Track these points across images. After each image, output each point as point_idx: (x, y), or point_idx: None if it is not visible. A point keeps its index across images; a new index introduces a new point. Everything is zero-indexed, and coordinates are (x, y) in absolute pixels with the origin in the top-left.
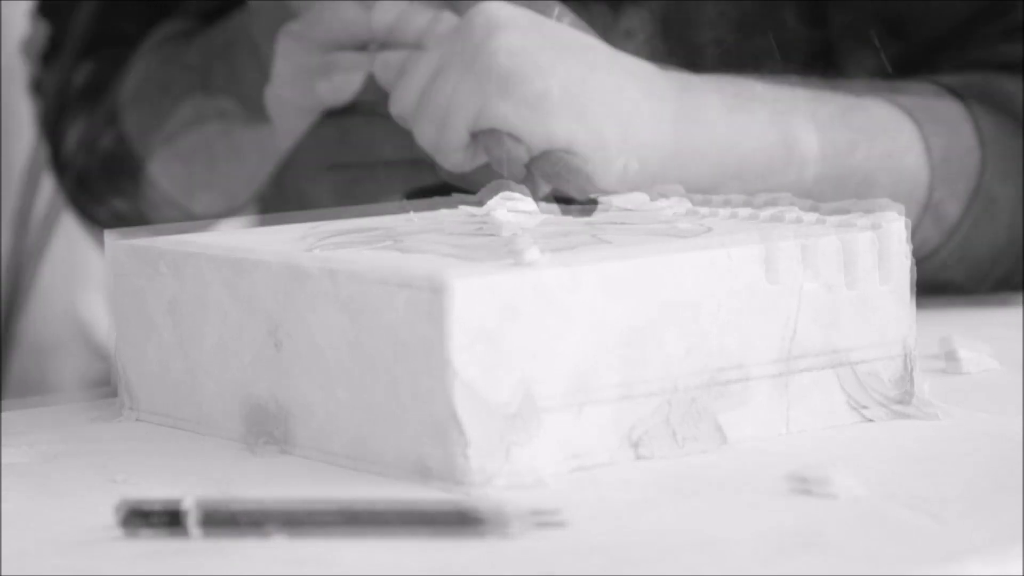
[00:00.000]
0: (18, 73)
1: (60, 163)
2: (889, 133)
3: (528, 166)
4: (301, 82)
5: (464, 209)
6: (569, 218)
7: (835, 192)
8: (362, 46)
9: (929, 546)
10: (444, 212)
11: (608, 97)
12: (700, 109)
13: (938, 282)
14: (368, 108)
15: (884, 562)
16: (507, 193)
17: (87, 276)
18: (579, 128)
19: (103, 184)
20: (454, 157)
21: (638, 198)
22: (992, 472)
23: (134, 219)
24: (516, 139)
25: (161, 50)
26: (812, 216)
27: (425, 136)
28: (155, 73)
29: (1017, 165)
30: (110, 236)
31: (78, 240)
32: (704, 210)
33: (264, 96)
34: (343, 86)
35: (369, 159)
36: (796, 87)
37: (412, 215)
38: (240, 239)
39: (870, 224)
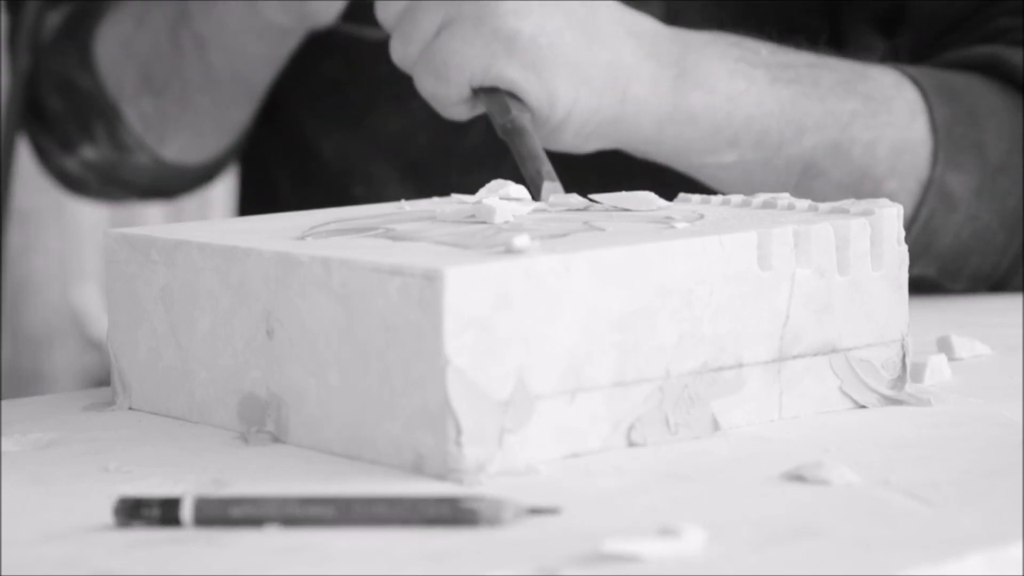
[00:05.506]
0: None
1: (35, 111)
2: (893, 103)
3: (475, 91)
4: None
5: (456, 198)
6: (561, 209)
7: (833, 163)
8: None
9: (923, 533)
10: (436, 201)
11: (580, 56)
12: (701, 73)
13: (911, 276)
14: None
15: (877, 548)
16: (499, 182)
17: (80, 267)
18: (533, 76)
19: (75, 129)
20: (453, 110)
21: (645, 197)
22: (985, 457)
23: (104, 168)
24: (516, 98)
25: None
26: (804, 203)
27: (426, 87)
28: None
29: (973, 157)
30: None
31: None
32: (696, 198)
33: None
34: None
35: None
36: (802, 52)
37: (404, 203)
38: (232, 227)
39: (863, 210)
